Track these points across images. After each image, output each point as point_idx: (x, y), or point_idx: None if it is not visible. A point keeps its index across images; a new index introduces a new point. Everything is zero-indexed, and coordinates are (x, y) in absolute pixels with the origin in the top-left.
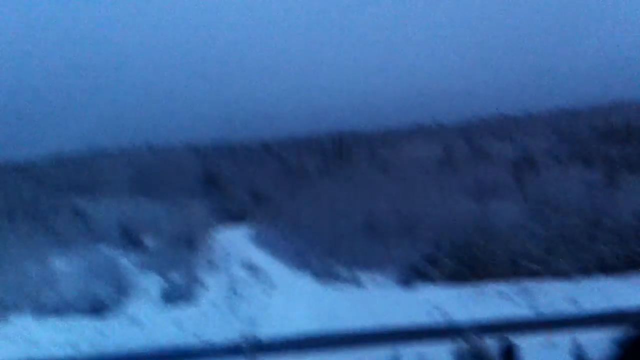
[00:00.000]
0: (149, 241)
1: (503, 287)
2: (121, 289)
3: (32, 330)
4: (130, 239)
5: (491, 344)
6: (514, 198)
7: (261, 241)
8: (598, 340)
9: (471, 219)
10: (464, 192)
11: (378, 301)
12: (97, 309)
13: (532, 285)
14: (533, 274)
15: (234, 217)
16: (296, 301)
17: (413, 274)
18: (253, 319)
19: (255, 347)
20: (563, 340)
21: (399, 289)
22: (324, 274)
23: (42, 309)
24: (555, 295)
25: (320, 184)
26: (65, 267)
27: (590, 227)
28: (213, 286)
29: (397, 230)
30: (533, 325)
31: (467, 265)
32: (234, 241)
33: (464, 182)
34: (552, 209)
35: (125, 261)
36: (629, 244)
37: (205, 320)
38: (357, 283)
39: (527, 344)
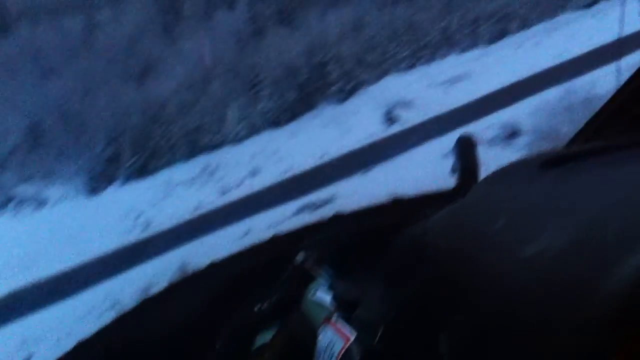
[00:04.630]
0: None
1: (188, 171)
2: None
3: None
4: None
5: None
6: (171, 69)
7: None
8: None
9: (138, 105)
10: (119, 72)
11: (68, 218)
12: None
13: (214, 159)
14: (214, 147)
15: None
16: None
17: (97, 179)
18: None
19: None
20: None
21: (86, 198)
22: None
23: None
24: (236, 168)
25: None
26: None
27: (252, 85)
28: None
29: (68, 134)
30: (225, 209)
31: (149, 156)
32: None
33: (114, 57)
34: (210, 73)
35: None
36: (288, 94)
37: None
38: (38, 202)
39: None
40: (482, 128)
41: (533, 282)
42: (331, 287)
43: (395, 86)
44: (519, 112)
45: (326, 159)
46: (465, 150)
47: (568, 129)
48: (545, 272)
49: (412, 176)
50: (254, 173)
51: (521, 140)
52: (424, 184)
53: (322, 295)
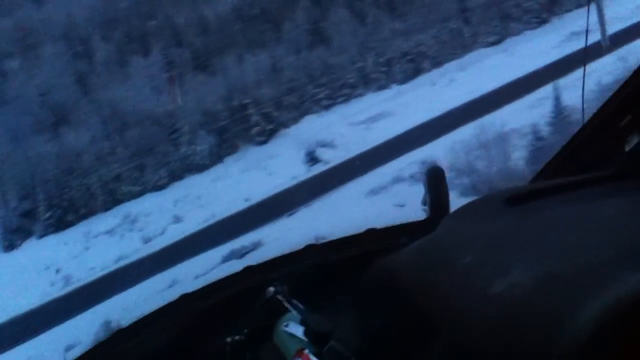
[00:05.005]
0: None
1: (108, 221)
2: None
3: None
4: None
5: None
6: (86, 118)
7: None
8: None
9: (52, 156)
10: (32, 123)
11: None
12: None
13: (135, 208)
14: (132, 196)
15: None
16: None
17: (13, 234)
18: None
19: None
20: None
21: (2, 255)
22: None
23: None
24: (158, 215)
25: None
26: None
27: (171, 132)
28: None
29: None
30: (148, 259)
31: (66, 208)
32: None
33: (26, 107)
34: (127, 121)
35: None
36: (207, 139)
37: None
38: None
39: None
40: (402, 165)
41: (500, 320)
42: (303, 320)
43: (315, 127)
44: (437, 148)
45: (251, 203)
46: (435, 182)
47: (483, 165)
48: (512, 309)
49: (337, 216)
50: (176, 220)
51: None
52: (349, 223)
53: (294, 326)
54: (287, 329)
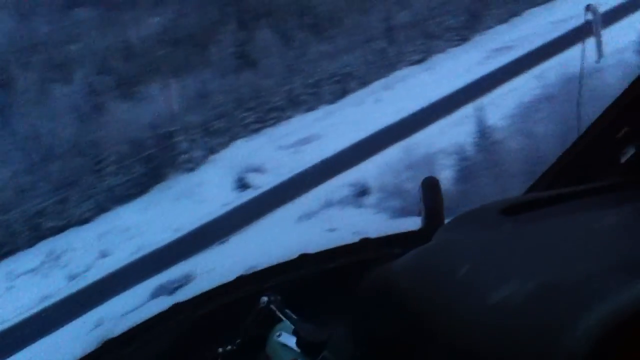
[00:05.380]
0: None
1: (32, 258)
2: None
3: None
4: None
5: None
6: (5, 152)
7: None
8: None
9: None
10: None
11: None
12: None
13: (59, 244)
14: (57, 231)
15: None
16: None
17: None
18: None
19: None
20: None
21: None
22: None
23: None
24: (83, 250)
25: None
26: None
27: (96, 162)
28: None
29: None
30: (74, 297)
31: None
32: None
33: None
34: (49, 153)
35: None
36: (134, 169)
37: None
38: None
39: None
40: (332, 188)
41: (499, 330)
42: (296, 331)
43: (245, 152)
44: (367, 170)
45: (180, 233)
46: (430, 192)
47: (412, 186)
48: (510, 320)
49: (269, 243)
50: (103, 255)
51: (371, 199)
52: (281, 250)
53: (287, 337)
54: (279, 339)
